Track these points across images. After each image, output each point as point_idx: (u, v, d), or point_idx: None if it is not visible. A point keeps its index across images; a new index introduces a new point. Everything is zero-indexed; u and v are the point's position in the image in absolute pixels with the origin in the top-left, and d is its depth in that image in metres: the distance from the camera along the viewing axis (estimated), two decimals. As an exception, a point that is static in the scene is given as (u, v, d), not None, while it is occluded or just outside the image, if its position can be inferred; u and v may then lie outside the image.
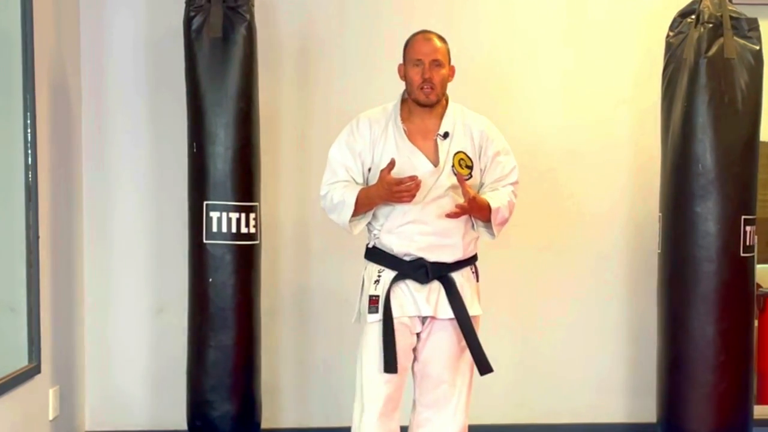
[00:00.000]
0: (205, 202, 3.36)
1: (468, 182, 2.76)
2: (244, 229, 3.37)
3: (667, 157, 3.48)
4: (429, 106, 2.79)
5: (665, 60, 3.51)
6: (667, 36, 3.51)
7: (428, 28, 2.85)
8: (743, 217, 3.36)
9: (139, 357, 3.86)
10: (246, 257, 3.40)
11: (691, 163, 3.35)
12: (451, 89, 3.71)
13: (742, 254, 3.36)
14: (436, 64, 2.76)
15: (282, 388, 3.88)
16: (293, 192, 3.88)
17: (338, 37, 3.88)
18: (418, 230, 2.74)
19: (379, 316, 2.74)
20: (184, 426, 3.48)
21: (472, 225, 2.83)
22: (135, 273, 3.85)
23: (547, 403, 3.99)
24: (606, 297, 4.01)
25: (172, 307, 3.76)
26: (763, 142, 3.54)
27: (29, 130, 3.22)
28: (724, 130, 3.33)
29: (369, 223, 2.83)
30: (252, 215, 3.40)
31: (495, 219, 2.78)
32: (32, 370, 3.23)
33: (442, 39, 2.82)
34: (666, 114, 3.50)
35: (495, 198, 2.80)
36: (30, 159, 3.23)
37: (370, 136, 2.80)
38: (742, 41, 3.35)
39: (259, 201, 3.48)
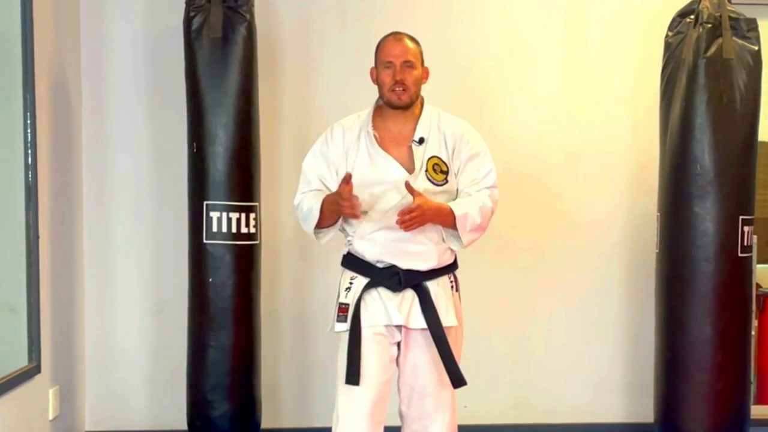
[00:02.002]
0: (205, 202, 3.36)
1: (444, 187, 2.69)
2: (244, 229, 3.37)
3: (666, 157, 3.48)
4: (402, 108, 2.70)
5: (664, 60, 3.52)
6: (666, 36, 3.51)
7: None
8: (741, 217, 3.37)
9: (139, 357, 3.86)
10: (246, 257, 3.40)
11: (690, 163, 3.36)
12: (449, 90, 3.71)
13: (739, 254, 3.37)
14: (408, 65, 2.68)
15: (282, 387, 3.89)
16: (293, 192, 3.83)
17: (338, 36, 3.88)
18: (391, 237, 2.65)
19: (347, 325, 2.67)
20: (184, 426, 3.49)
21: (443, 235, 2.72)
22: (135, 273, 3.85)
23: (545, 402, 4.00)
24: (604, 296, 4.02)
25: (172, 307, 3.76)
26: (762, 142, 3.55)
27: (29, 130, 3.22)
28: (723, 130, 3.33)
29: (343, 229, 2.76)
30: (252, 215, 3.41)
31: (463, 226, 2.65)
32: (32, 370, 3.23)
33: (413, 40, 2.74)
34: (665, 114, 3.51)
35: (462, 204, 2.68)
36: (30, 159, 3.22)
37: (343, 145, 2.72)
38: (740, 41, 3.36)
39: (259, 201, 3.48)
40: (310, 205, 2.72)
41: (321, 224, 2.73)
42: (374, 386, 2.68)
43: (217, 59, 3.34)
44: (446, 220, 2.66)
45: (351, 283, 2.72)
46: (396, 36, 2.75)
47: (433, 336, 2.67)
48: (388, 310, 2.68)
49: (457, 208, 2.66)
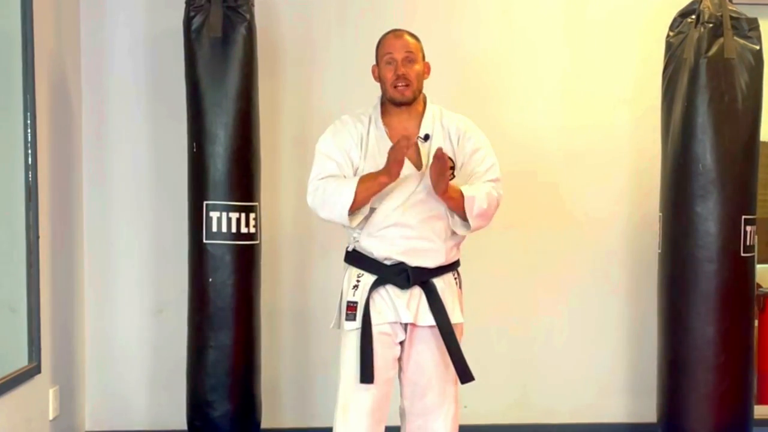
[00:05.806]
0: (205, 202, 3.36)
1: (451, 182, 2.68)
2: (243, 229, 3.37)
3: (668, 157, 3.48)
4: (405, 104, 2.72)
5: (665, 60, 3.51)
6: (667, 36, 3.51)
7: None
8: (743, 217, 3.36)
9: (139, 357, 3.86)
10: (246, 257, 3.40)
11: (692, 163, 3.35)
12: (450, 88, 3.71)
13: (742, 254, 3.36)
14: (409, 59, 2.69)
15: (282, 387, 3.89)
16: (293, 192, 3.88)
17: (338, 36, 3.88)
18: (400, 234, 2.66)
19: (357, 324, 2.67)
20: (184, 426, 3.48)
21: (449, 221, 2.71)
22: (135, 273, 3.85)
23: (547, 403, 4.00)
24: (606, 297, 4.01)
25: (172, 307, 3.76)
26: (764, 142, 3.54)
27: (29, 130, 3.22)
28: (725, 130, 3.33)
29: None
30: (252, 215, 3.40)
31: (471, 209, 2.64)
32: (32, 370, 3.23)
33: (413, 35, 2.75)
34: (666, 114, 3.50)
35: (470, 188, 2.68)
36: (30, 159, 3.23)
37: (357, 134, 2.73)
38: (742, 41, 3.35)
39: (259, 201, 3.48)
40: (335, 188, 2.64)
41: (353, 206, 2.65)
42: (377, 385, 2.68)
43: (217, 59, 3.34)
44: (457, 199, 2.64)
45: (358, 281, 2.71)
46: (395, 32, 2.76)
47: (442, 332, 2.68)
48: (397, 308, 2.69)
49: (466, 189, 2.67)
